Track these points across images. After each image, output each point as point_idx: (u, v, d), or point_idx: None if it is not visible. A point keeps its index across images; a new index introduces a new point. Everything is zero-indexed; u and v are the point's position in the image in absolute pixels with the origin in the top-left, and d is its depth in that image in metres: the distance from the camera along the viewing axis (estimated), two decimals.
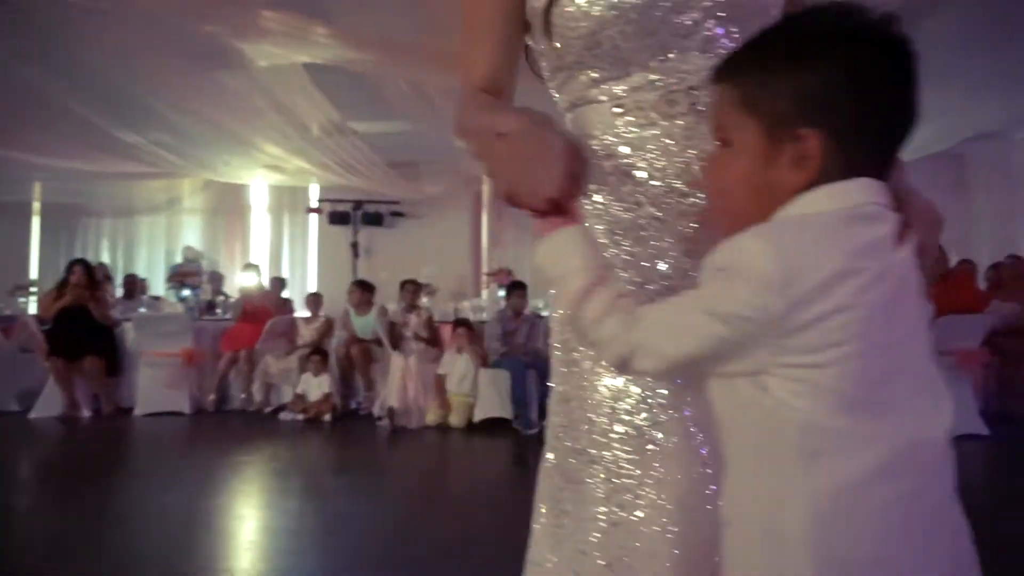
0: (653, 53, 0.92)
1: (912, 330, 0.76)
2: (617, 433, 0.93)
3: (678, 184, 0.93)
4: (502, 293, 7.17)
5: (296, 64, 4.99)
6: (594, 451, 0.94)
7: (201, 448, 5.31)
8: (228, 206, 10.24)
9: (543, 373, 5.68)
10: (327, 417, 5.98)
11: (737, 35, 0.91)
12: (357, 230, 9.68)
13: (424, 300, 6.86)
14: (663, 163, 0.93)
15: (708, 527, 0.84)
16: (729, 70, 0.81)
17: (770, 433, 0.74)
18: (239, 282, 7.71)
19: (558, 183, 0.79)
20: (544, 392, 4.89)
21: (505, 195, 0.81)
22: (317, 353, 6.22)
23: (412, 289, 6.54)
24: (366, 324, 6.44)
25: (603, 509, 0.92)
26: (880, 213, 0.75)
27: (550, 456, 1.02)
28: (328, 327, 6.71)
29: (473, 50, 0.99)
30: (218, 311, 7.81)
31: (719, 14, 0.91)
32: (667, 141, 0.93)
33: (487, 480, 4.53)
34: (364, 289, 6.57)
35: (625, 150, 0.95)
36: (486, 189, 10.49)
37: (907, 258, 0.76)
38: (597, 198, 0.97)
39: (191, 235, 10.27)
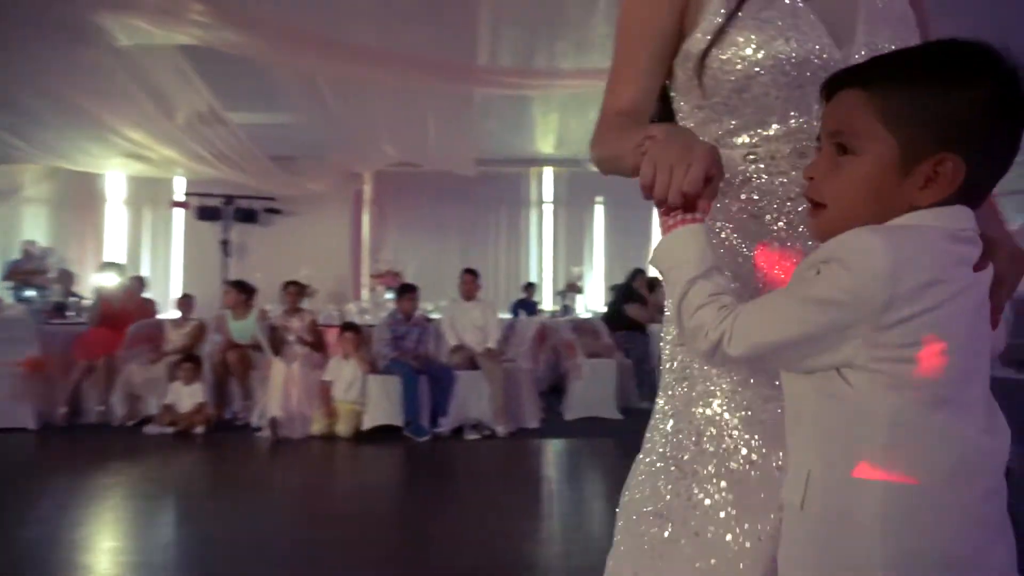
0: (796, 106, 1.00)
1: (984, 346, 0.82)
2: (721, 451, 1.00)
3: (803, 230, 1.00)
4: (389, 296, 6.95)
5: (168, 44, 4.55)
6: (698, 467, 1.01)
7: (53, 470, 4.71)
8: (79, 197, 9.30)
9: (435, 378, 5.54)
10: (200, 429, 5.51)
11: None
12: (228, 227, 9.08)
13: (303, 302, 6.52)
14: (788, 208, 1.01)
15: None
16: (872, 79, 0.82)
17: (852, 426, 0.78)
18: (95, 282, 6.99)
19: (694, 178, 0.85)
20: (436, 398, 4.78)
21: (645, 184, 0.88)
22: (188, 360, 5.73)
23: (294, 291, 6.18)
24: (244, 328, 6.01)
25: (708, 526, 0.98)
26: (975, 239, 0.81)
27: (642, 475, 1.08)
28: (200, 331, 6.21)
29: (623, 77, 1.10)
30: (70, 314, 7.03)
31: None
32: (796, 189, 1.00)
33: (378, 491, 4.34)
34: (242, 290, 6.13)
35: (755, 196, 1.02)
36: (367, 188, 10.19)
37: (986, 282, 0.82)
38: (723, 235, 1.04)
39: (33, 228, 9.21)
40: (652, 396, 4.93)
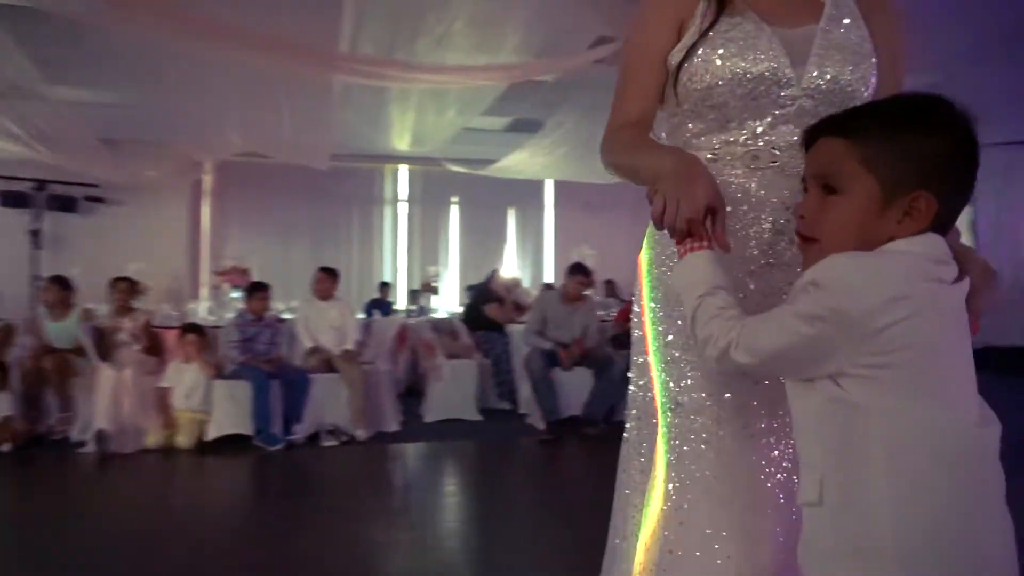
0: (752, 115, 1.15)
1: (962, 350, 0.93)
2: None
3: (747, 217, 1.17)
4: (236, 295, 6.46)
5: None
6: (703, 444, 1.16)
7: None
8: None
9: (288, 382, 5.22)
10: (6, 447, 4.81)
11: (826, 110, 1.12)
12: (40, 216, 8.06)
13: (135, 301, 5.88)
14: (742, 205, 1.17)
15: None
16: (851, 128, 0.94)
17: (852, 427, 0.88)
18: None
19: (697, 208, 1.01)
20: (290, 403, 4.49)
21: (656, 215, 1.04)
22: None
23: (125, 288, 5.55)
24: (64, 329, 5.32)
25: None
26: (947, 260, 0.93)
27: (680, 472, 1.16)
28: (6, 334, 5.41)
29: (631, 92, 1.25)
30: None
31: (815, 96, 1.15)
32: (748, 184, 1.16)
33: (226, 506, 4.00)
34: (62, 287, 5.42)
35: None
36: (208, 179, 9.47)
37: (960, 295, 0.93)
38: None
39: None
40: (511, 397, 4.97)
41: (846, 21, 1.18)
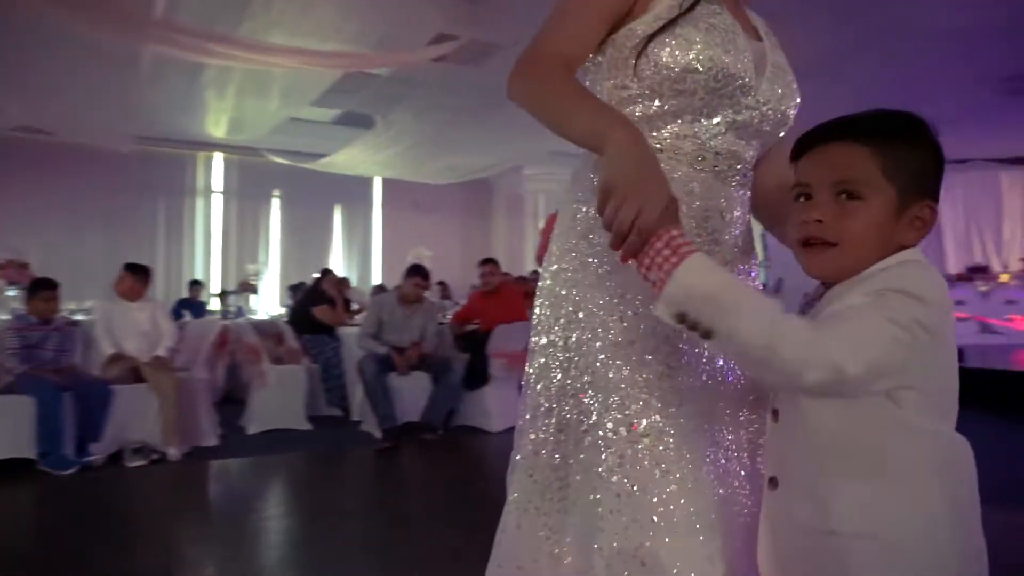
0: (709, 114, 1.10)
1: None
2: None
3: (687, 222, 1.07)
4: (12, 293, 5.54)
5: None
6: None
7: None
8: None
9: (84, 395, 4.53)
10: None
11: (767, 129, 1.15)
12: None
13: None
14: (683, 207, 1.05)
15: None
16: (872, 137, 0.94)
17: (905, 446, 0.87)
18: None
19: (658, 210, 0.92)
20: (86, 420, 3.88)
21: (605, 208, 0.94)
22: None
23: None
24: None
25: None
26: None
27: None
28: None
29: (573, 28, 1.12)
30: None
31: (762, 110, 1.14)
32: (691, 185, 1.11)
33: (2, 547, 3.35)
34: None
35: None
36: None
37: None
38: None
39: None
40: (342, 403, 4.67)
41: (778, 48, 1.21)
